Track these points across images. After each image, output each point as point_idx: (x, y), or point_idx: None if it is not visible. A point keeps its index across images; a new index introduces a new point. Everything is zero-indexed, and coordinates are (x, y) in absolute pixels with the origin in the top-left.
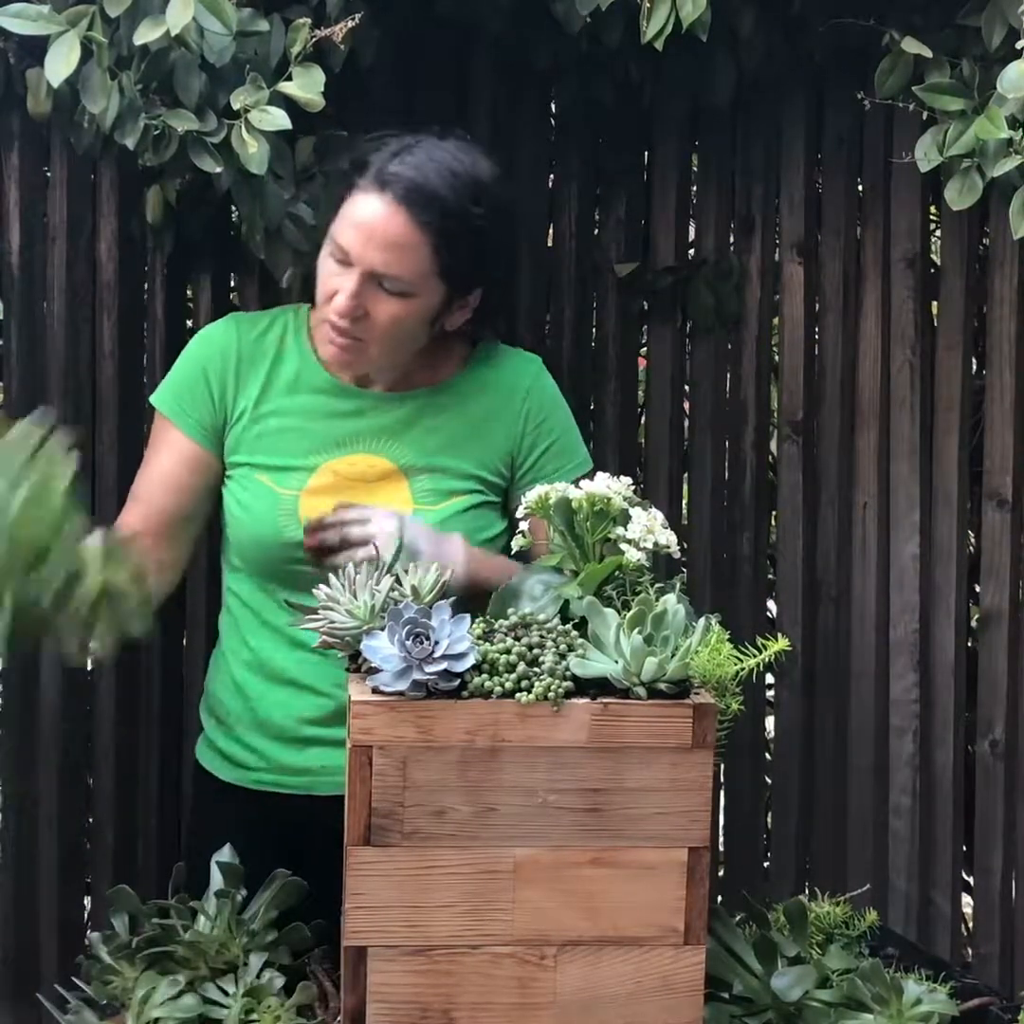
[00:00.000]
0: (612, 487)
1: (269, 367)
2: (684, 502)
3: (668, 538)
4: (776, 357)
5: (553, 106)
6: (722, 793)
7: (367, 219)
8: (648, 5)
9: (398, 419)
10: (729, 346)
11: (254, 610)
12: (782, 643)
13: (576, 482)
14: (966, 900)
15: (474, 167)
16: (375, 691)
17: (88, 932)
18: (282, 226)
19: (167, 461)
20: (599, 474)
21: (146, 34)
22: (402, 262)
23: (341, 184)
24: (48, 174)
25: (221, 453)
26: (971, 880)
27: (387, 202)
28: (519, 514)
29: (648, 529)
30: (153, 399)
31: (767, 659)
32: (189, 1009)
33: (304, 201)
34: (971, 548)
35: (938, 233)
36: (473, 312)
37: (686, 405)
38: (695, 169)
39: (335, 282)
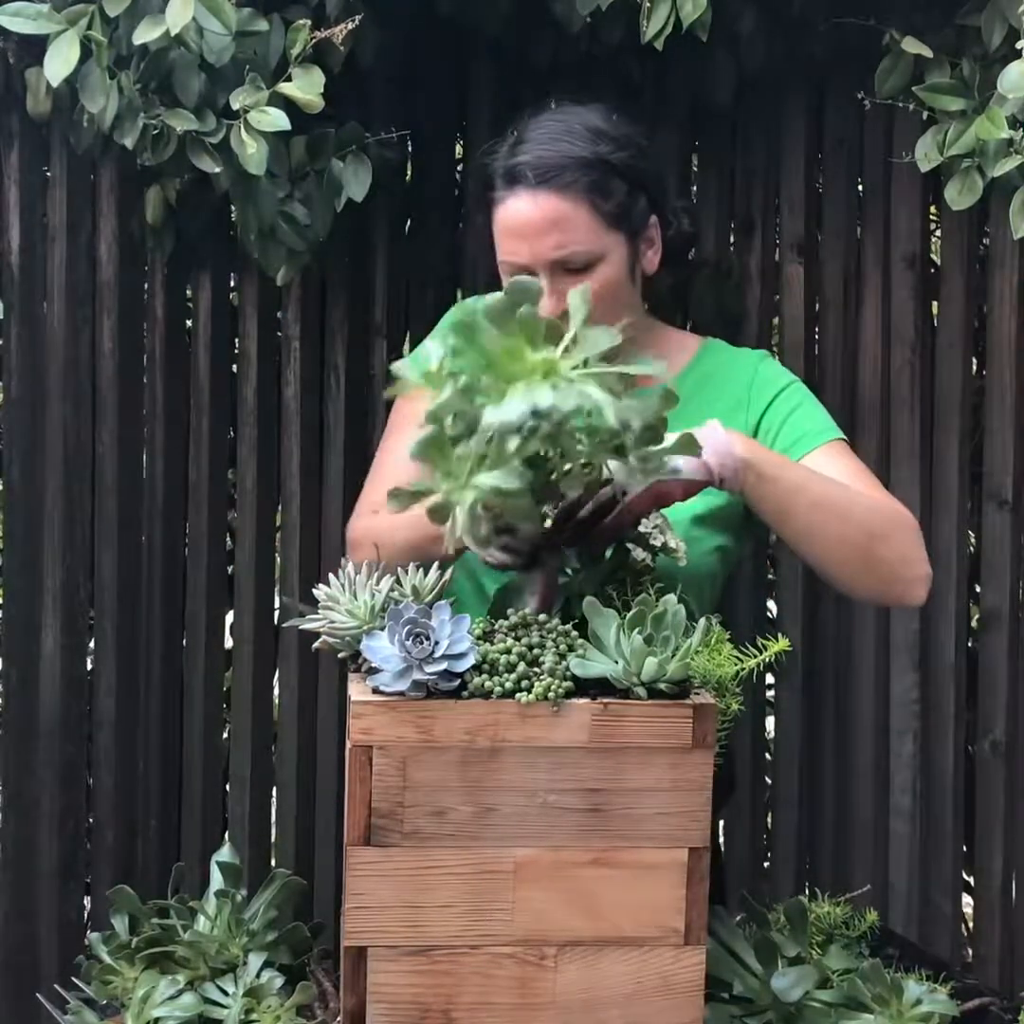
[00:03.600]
0: None
1: None
2: None
3: (677, 543)
4: (776, 357)
5: (553, 106)
6: None
7: (520, 218)
8: (648, 5)
9: None
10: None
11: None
12: (783, 643)
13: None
14: (966, 900)
15: (580, 117)
16: (375, 691)
17: (88, 932)
18: (275, 225)
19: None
20: None
21: (145, 34)
22: (571, 236)
23: (483, 212)
24: (48, 174)
25: None
26: (971, 880)
27: (528, 193)
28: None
29: (659, 528)
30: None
31: (767, 659)
32: (189, 1008)
33: (298, 200)
34: (971, 548)
35: (938, 233)
36: (663, 243)
37: None
38: (695, 169)
39: None
